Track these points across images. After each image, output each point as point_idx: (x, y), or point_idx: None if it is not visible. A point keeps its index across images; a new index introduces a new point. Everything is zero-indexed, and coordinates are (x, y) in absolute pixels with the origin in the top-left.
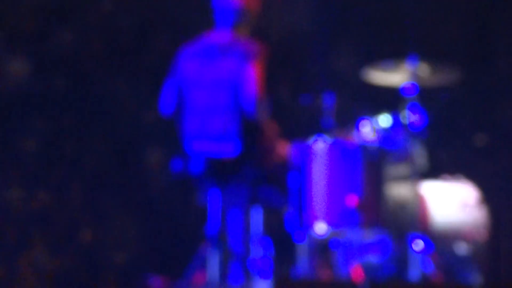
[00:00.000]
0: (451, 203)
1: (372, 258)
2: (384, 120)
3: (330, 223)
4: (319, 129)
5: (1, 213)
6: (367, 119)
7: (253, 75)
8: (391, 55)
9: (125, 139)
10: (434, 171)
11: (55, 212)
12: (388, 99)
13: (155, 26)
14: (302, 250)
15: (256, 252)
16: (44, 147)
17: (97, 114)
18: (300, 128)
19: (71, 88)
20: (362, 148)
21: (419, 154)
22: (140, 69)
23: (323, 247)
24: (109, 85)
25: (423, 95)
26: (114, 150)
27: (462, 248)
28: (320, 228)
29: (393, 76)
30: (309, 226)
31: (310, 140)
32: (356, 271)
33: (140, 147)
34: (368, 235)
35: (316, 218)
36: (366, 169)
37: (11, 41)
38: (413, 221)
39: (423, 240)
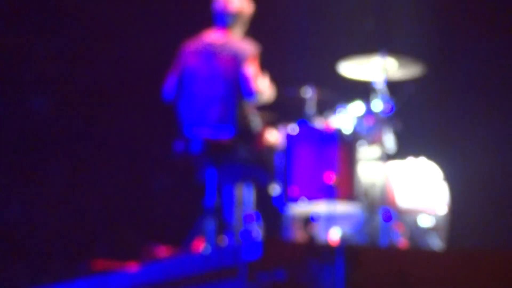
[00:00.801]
0: (416, 181)
1: (347, 229)
2: (358, 108)
3: (310, 197)
4: (301, 116)
5: (28, 228)
6: (343, 107)
7: (248, 72)
8: (363, 51)
9: (135, 163)
10: (400, 153)
11: (76, 225)
12: (361, 90)
13: (162, 69)
14: (287, 222)
15: (247, 223)
16: (68, 172)
17: (111, 145)
18: (286, 116)
19: (88, 123)
20: (338, 132)
21: (388, 138)
22: (147, 106)
23: (305, 219)
24: (121, 120)
25: (391, 87)
26: (126, 169)
27: (425, 220)
28: (302, 202)
29: (365, 70)
30: (293, 200)
31: (294, 126)
32: (333, 239)
33: (148, 165)
34: (343, 208)
35: (298, 193)
36: (341, 150)
37: (36, 83)
38: (382, 196)
39: (390, 213)
